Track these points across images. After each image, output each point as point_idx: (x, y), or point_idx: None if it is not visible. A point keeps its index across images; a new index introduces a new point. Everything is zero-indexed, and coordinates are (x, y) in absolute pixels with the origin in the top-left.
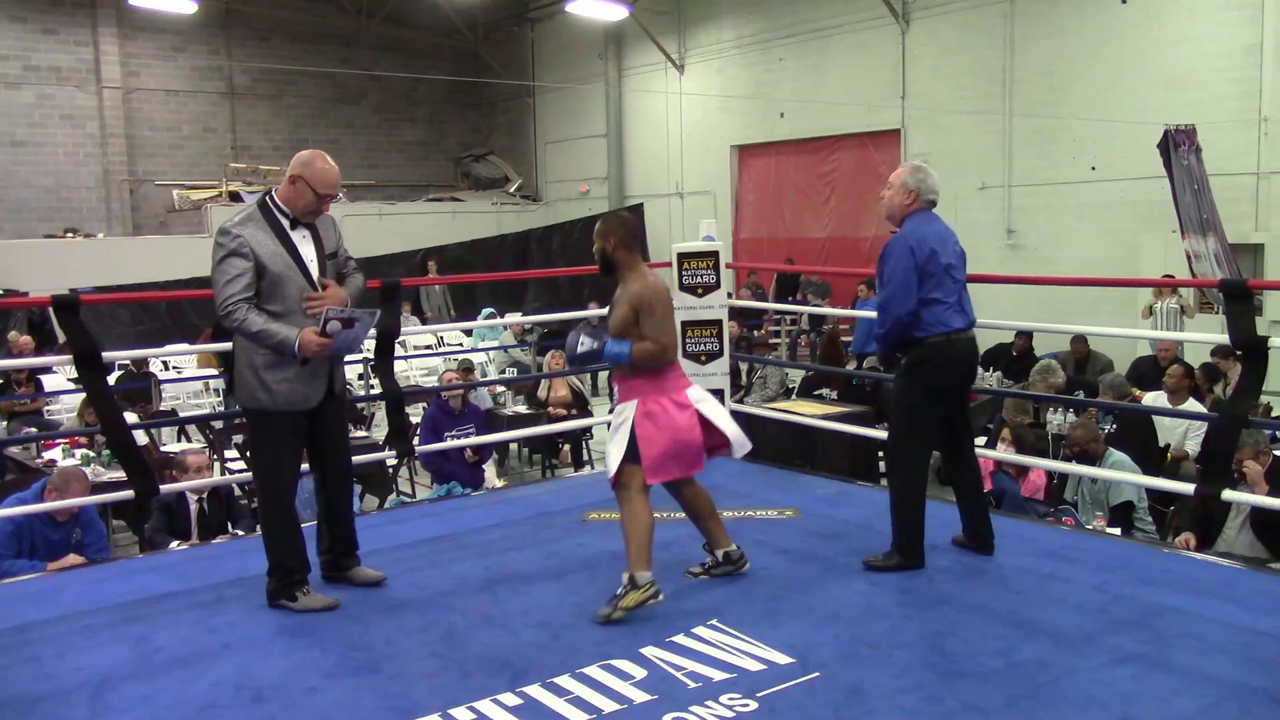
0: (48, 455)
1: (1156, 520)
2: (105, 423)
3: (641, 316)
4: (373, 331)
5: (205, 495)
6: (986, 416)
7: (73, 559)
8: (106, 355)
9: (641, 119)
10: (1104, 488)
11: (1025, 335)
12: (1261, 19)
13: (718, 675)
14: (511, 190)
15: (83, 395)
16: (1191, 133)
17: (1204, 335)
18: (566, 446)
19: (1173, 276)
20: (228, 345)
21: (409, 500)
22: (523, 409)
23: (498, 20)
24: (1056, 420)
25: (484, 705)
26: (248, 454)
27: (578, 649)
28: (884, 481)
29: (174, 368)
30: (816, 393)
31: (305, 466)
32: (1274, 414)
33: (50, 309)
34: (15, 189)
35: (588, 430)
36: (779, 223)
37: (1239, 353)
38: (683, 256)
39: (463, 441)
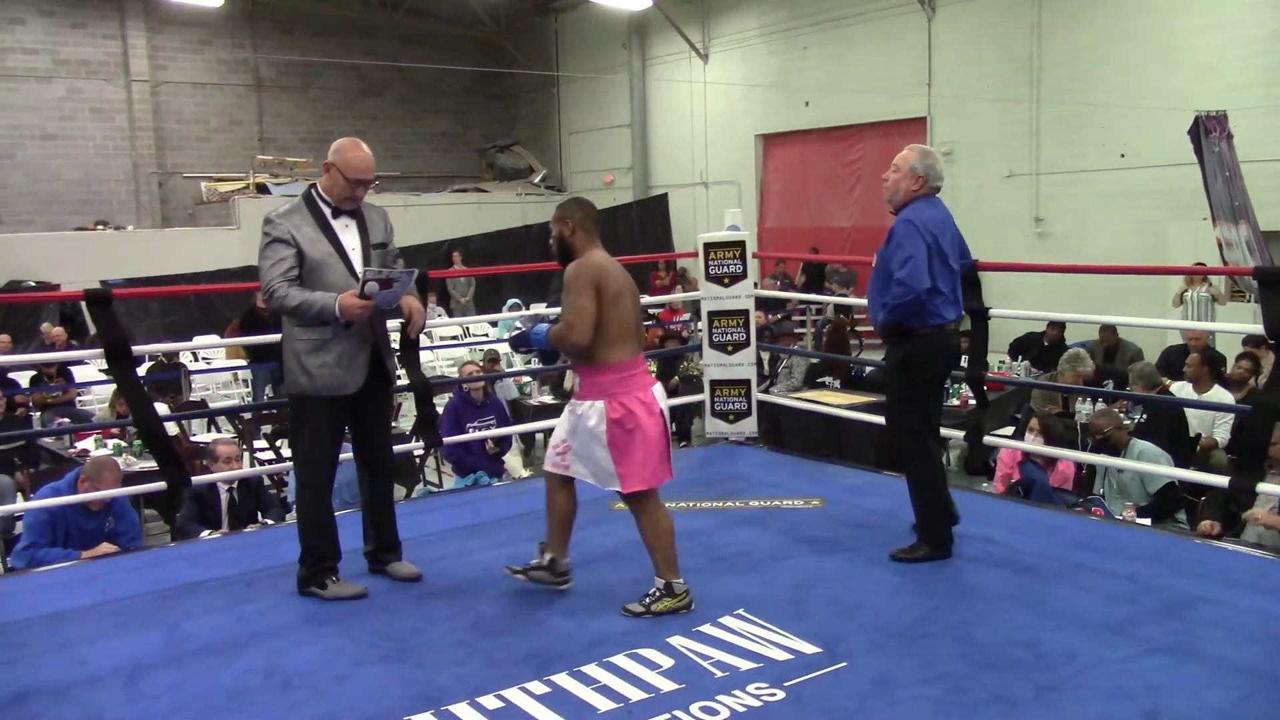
0: (80, 446)
1: (1187, 511)
2: (136, 414)
3: (564, 294)
4: (398, 322)
5: (235, 485)
6: (1014, 406)
7: (106, 547)
8: (137, 348)
9: (666, 108)
10: (1133, 478)
11: (1057, 325)
12: None
13: (745, 665)
14: (536, 181)
15: (114, 387)
16: (1223, 119)
17: (1235, 325)
18: None
19: (1204, 264)
20: (256, 339)
21: (436, 490)
22: (548, 399)
23: (521, 10)
24: (1085, 410)
25: (511, 693)
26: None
27: (604, 638)
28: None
29: (203, 359)
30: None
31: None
32: None
33: (83, 303)
34: (46, 182)
35: None
36: (804, 212)
37: (1272, 341)
38: (709, 246)
39: (483, 434)
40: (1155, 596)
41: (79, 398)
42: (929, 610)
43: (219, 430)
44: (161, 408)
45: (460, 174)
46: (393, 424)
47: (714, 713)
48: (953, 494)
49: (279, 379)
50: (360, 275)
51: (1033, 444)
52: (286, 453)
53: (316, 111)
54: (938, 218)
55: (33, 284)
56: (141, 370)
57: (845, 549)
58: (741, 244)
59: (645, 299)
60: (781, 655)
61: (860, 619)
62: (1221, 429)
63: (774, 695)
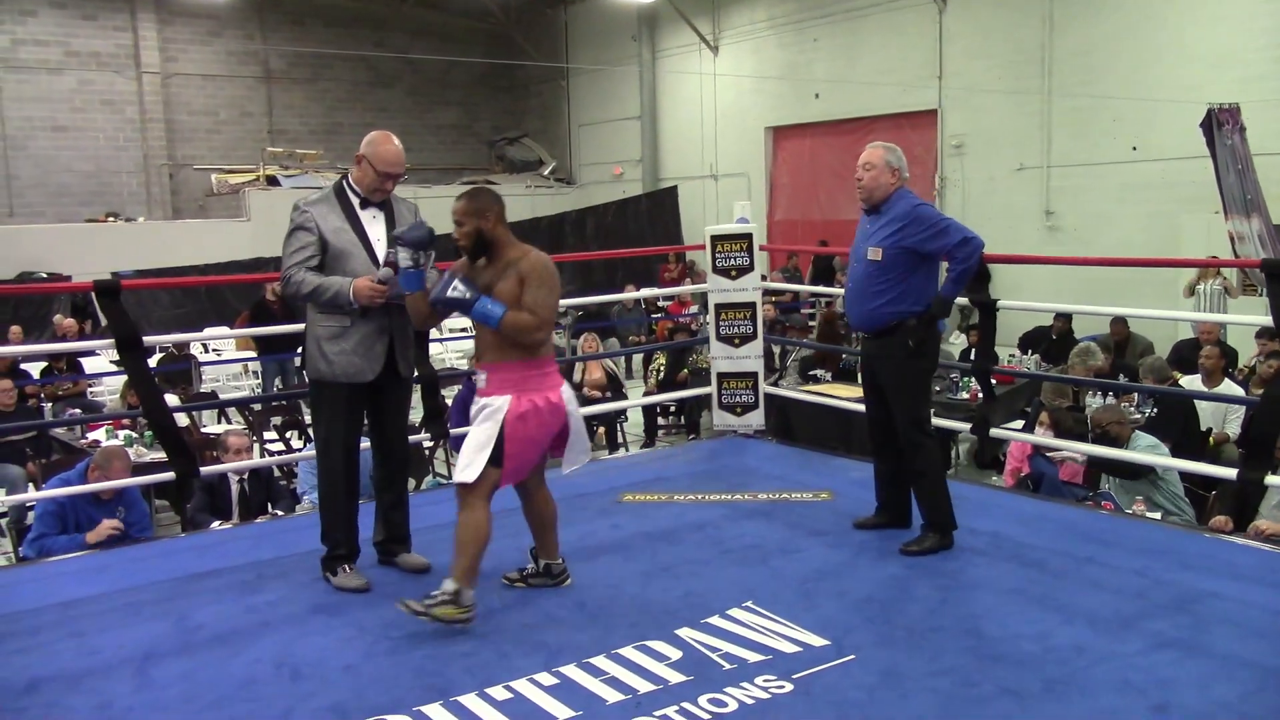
0: (92, 436)
1: (1197, 505)
2: (146, 405)
3: (528, 286)
4: None
5: (246, 476)
6: (1024, 400)
7: (107, 525)
8: (147, 339)
9: (675, 101)
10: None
11: (1064, 318)
12: None
13: (753, 657)
14: (545, 173)
15: (125, 378)
16: (1235, 111)
17: (1247, 317)
18: (601, 429)
19: (1217, 258)
20: (265, 330)
21: (445, 482)
22: None
23: (531, 2)
24: (1096, 404)
25: (520, 685)
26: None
27: (613, 629)
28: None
29: (213, 350)
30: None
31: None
32: None
33: (92, 294)
34: (57, 174)
35: (622, 413)
36: (813, 204)
37: None
38: (716, 239)
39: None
40: (1164, 591)
41: (90, 388)
42: (937, 604)
43: (229, 421)
44: (172, 399)
45: (469, 166)
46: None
47: (722, 705)
48: (962, 488)
49: (289, 371)
50: (381, 264)
51: (1042, 437)
52: (296, 444)
53: (326, 103)
54: None
55: (44, 275)
56: (152, 361)
57: (853, 542)
58: (749, 237)
59: (654, 291)
60: (790, 648)
61: (868, 612)
62: (1234, 423)
63: (782, 687)
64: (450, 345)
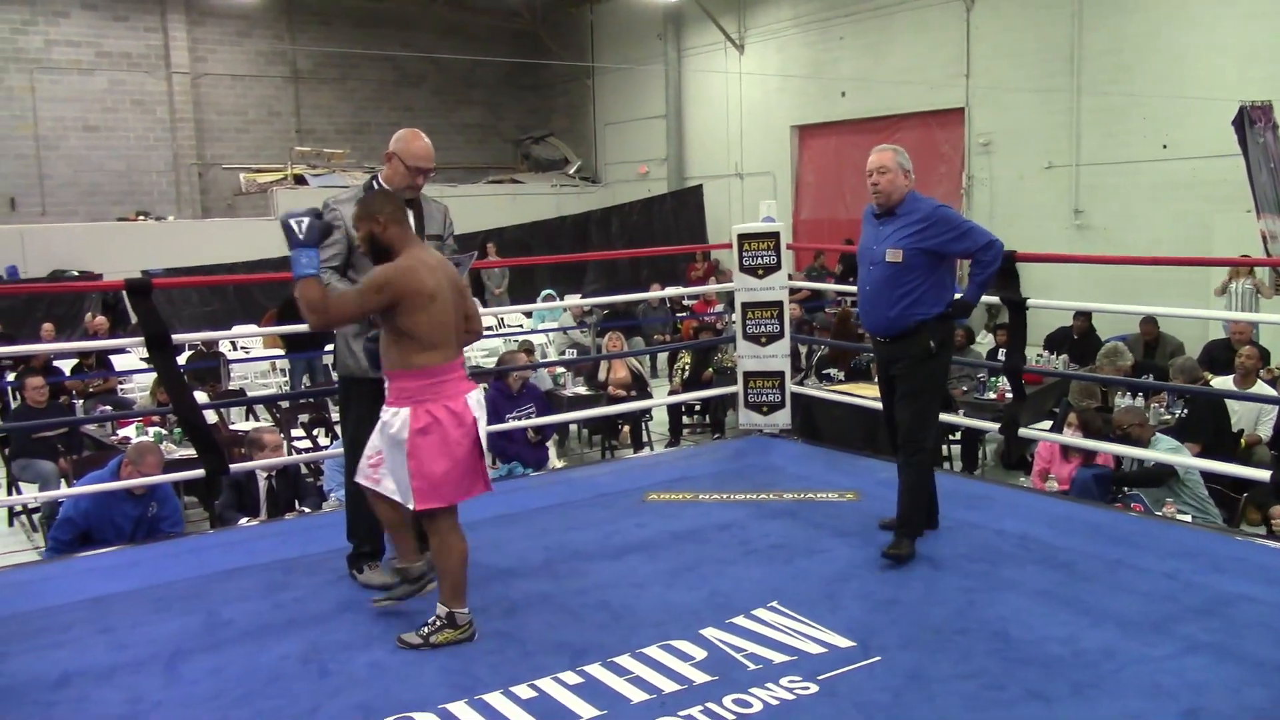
0: (122, 433)
1: (1227, 507)
2: (176, 403)
3: (362, 283)
4: None
5: (274, 473)
6: (1053, 400)
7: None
8: (177, 337)
9: (701, 99)
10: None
11: (1084, 316)
12: None
13: (778, 657)
14: (571, 172)
15: (155, 375)
16: (1268, 109)
17: (1279, 317)
18: (626, 427)
19: (1248, 257)
20: (293, 328)
21: None
22: (583, 390)
23: (556, 2)
24: (1125, 404)
25: (545, 683)
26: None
27: (637, 629)
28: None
29: (242, 348)
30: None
31: None
32: None
33: (124, 292)
34: (89, 173)
35: (647, 412)
36: (839, 203)
37: None
38: (743, 238)
39: (525, 422)
40: (1195, 594)
41: (120, 386)
42: (964, 605)
43: (257, 419)
44: (201, 396)
45: (495, 165)
46: None
47: (747, 705)
48: (990, 488)
49: (316, 369)
50: None
51: (1071, 438)
52: (323, 442)
53: (354, 103)
54: None
55: (75, 273)
56: (182, 359)
57: (879, 542)
58: (776, 235)
59: (679, 290)
60: (815, 648)
61: (894, 613)
62: (1266, 425)
63: (807, 688)
64: (475, 343)
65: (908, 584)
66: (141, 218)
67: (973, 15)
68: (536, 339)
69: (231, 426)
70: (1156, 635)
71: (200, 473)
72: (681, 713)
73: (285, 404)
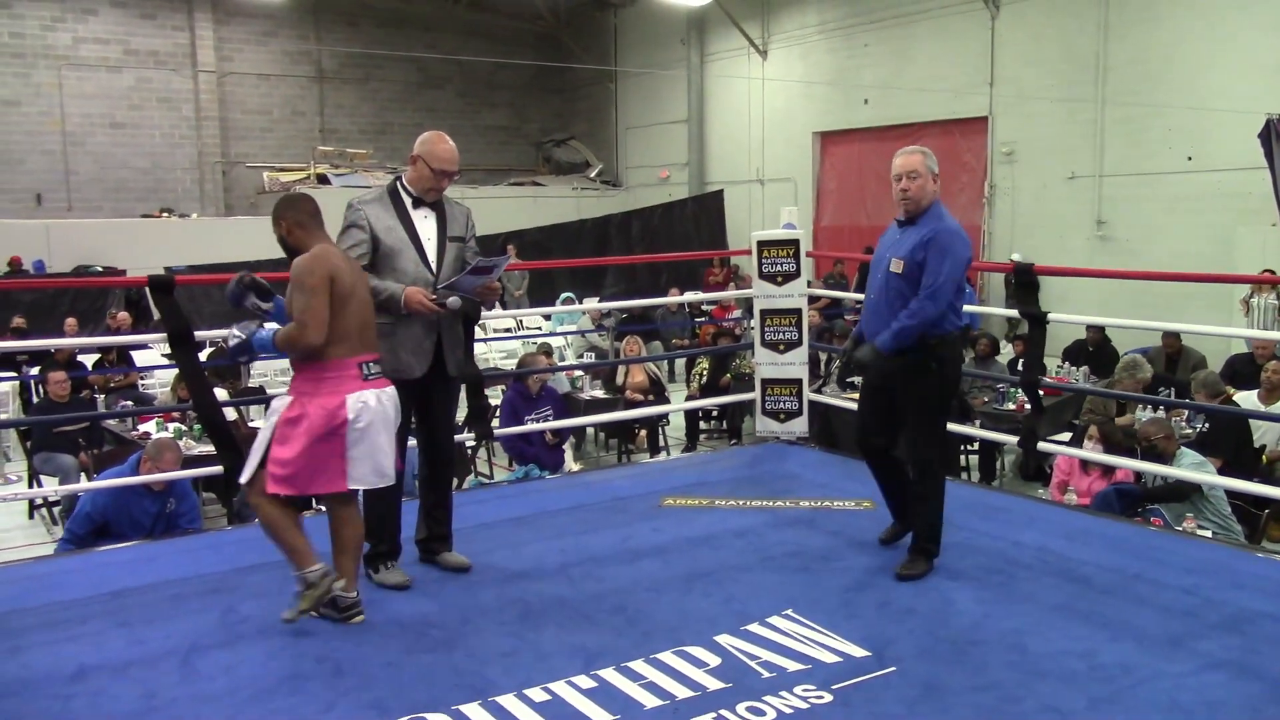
0: (142, 428)
1: (1249, 524)
2: (196, 399)
3: (290, 291)
4: None
5: None
6: (1071, 412)
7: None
8: (198, 334)
9: (723, 105)
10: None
11: (1098, 329)
12: None
13: (792, 666)
14: (592, 175)
15: (176, 371)
16: None
17: None
18: (643, 432)
19: (1273, 272)
20: None
21: (487, 482)
22: (600, 393)
23: (580, 5)
24: (1146, 418)
25: (558, 687)
26: None
27: (652, 634)
28: (918, 477)
29: None
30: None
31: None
32: None
33: (147, 288)
34: (115, 169)
35: (664, 416)
36: (860, 211)
37: None
38: (763, 244)
39: (544, 425)
40: (1215, 610)
41: (141, 381)
42: (980, 617)
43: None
44: (221, 393)
45: (517, 167)
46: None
47: (760, 713)
48: (1008, 500)
49: None
50: (433, 268)
51: (1091, 452)
52: None
53: (377, 104)
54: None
55: (100, 269)
56: (203, 356)
57: (895, 552)
58: (795, 243)
59: (699, 295)
60: (830, 658)
61: (910, 624)
62: None
63: (821, 698)
64: (494, 345)
65: (924, 594)
66: (165, 215)
67: (997, 23)
68: (555, 341)
69: (251, 424)
70: (1175, 651)
71: (219, 469)
72: (695, 719)
73: None
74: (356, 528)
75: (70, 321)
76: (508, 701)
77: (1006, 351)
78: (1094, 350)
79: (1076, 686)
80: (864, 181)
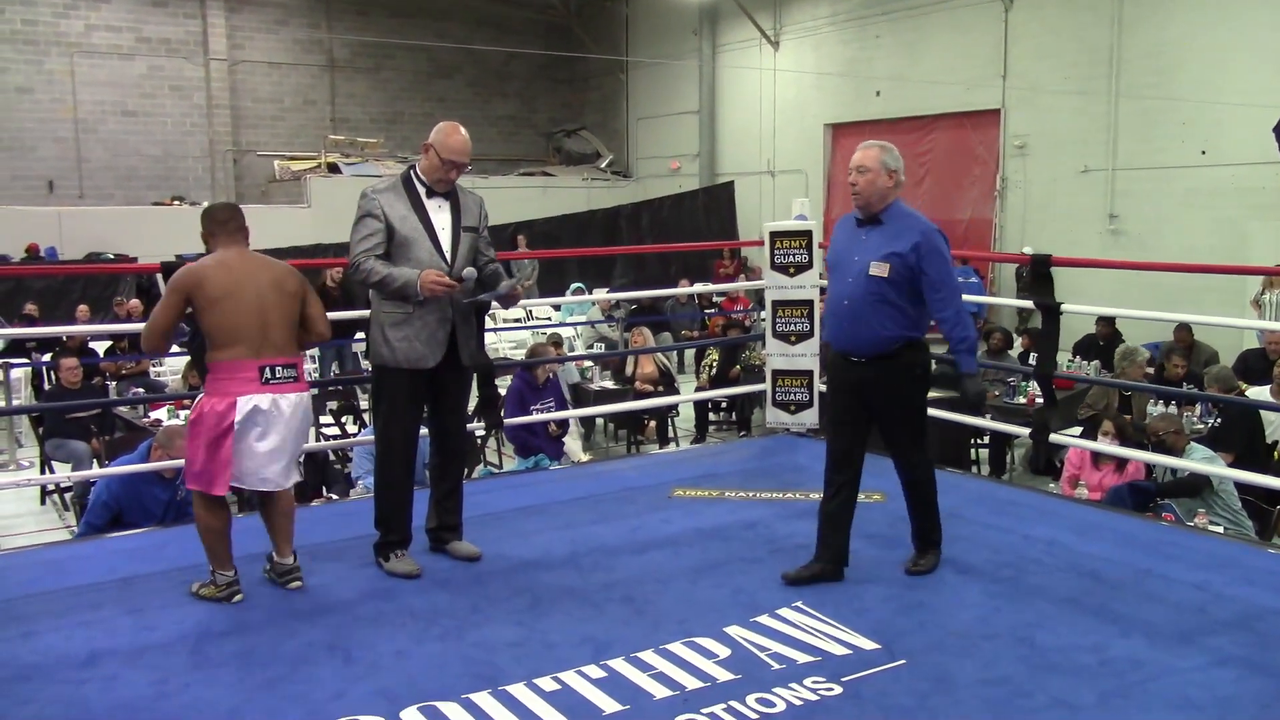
0: (154, 415)
1: (1260, 519)
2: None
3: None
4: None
5: (302, 459)
6: (1082, 406)
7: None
8: None
9: (734, 96)
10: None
11: (1107, 322)
12: None
13: (802, 658)
14: (602, 166)
15: (187, 358)
16: None
17: None
18: (652, 423)
19: None
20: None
21: (496, 471)
22: (609, 384)
23: None
24: (1157, 411)
25: (568, 676)
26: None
27: (661, 624)
28: (907, 475)
29: None
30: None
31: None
32: None
33: (159, 275)
34: (126, 157)
35: (674, 407)
36: None
37: None
38: (775, 235)
39: (549, 415)
40: (1225, 606)
41: (153, 368)
42: (991, 611)
43: None
44: None
45: (527, 157)
46: None
47: (770, 705)
48: (1018, 493)
49: (345, 356)
50: (447, 258)
51: (1105, 445)
52: (351, 429)
53: (388, 93)
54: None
55: (111, 256)
56: None
57: (906, 545)
58: (808, 234)
59: (708, 287)
60: (839, 650)
61: (920, 616)
62: None
63: (831, 690)
64: (504, 335)
65: (934, 588)
66: (176, 203)
67: (1011, 15)
68: (566, 331)
69: None
70: (1185, 646)
71: None
72: (704, 710)
73: (314, 391)
74: (282, 504)
75: (82, 308)
76: (518, 691)
77: (1017, 345)
78: (1105, 344)
79: (1087, 681)
80: None
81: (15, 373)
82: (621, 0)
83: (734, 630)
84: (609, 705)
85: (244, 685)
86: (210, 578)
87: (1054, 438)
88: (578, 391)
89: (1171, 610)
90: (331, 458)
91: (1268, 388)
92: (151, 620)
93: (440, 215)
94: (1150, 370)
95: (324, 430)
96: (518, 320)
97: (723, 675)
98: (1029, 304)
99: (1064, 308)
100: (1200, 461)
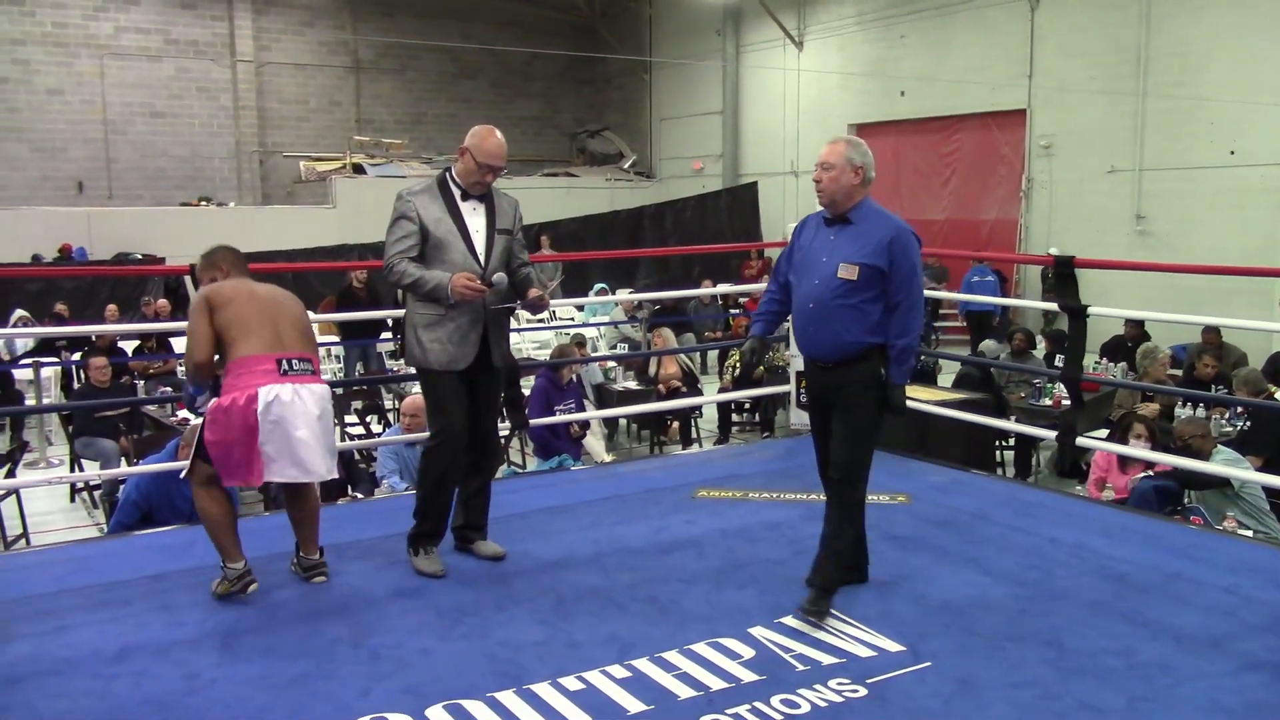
0: (181, 414)
1: None
2: None
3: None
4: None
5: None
6: (1109, 408)
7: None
8: None
9: (758, 96)
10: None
11: (1137, 324)
12: None
13: (827, 659)
14: (626, 167)
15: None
16: None
17: None
18: (675, 423)
19: None
20: (347, 315)
21: (520, 471)
22: (633, 384)
23: None
24: (1185, 414)
25: (592, 676)
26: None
27: (685, 625)
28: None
29: None
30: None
31: None
32: None
33: (186, 276)
34: (154, 158)
35: (697, 408)
36: (896, 203)
37: None
38: None
39: (571, 417)
40: (1255, 610)
41: (180, 368)
42: (1017, 613)
43: None
44: None
45: (550, 158)
46: None
47: (795, 706)
48: (1044, 496)
49: (370, 356)
50: (481, 260)
51: (1131, 449)
52: (376, 428)
53: (412, 94)
54: None
55: (139, 256)
56: None
57: (931, 547)
58: None
59: (733, 289)
60: (864, 652)
61: (945, 618)
62: None
63: (856, 691)
64: (527, 335)
65: (959, 590)
66: (204, 203)
67: (1037, 15)
68: (588, 332)
69: None
70: (1214, 651)
71: None
72: (729, 711)
73: (339, 390)
74: (307, 503)
75: (111, 308)
76: (543, 690)
77: (1043, 347)
78: (1132, 346)
79: (1115, 685)
80: (900, 174)
81: (45, 371)
82: (645, 1)
83: (758, 631)
84: (634, 705)
85: (271, 681)
86: (222, 574)
87: (1082, 441)
88: (601, 392)
89: (1200, 614)
90: (356, 457)
91: None
92: (180, 616)
93: (475, 218)
94: (1173, 371)
95: (349, 429)
96: (541, 320)
97: (747, 676)
98: (1053, 306)
99: (1090, 311)
100: (1226, 464)
